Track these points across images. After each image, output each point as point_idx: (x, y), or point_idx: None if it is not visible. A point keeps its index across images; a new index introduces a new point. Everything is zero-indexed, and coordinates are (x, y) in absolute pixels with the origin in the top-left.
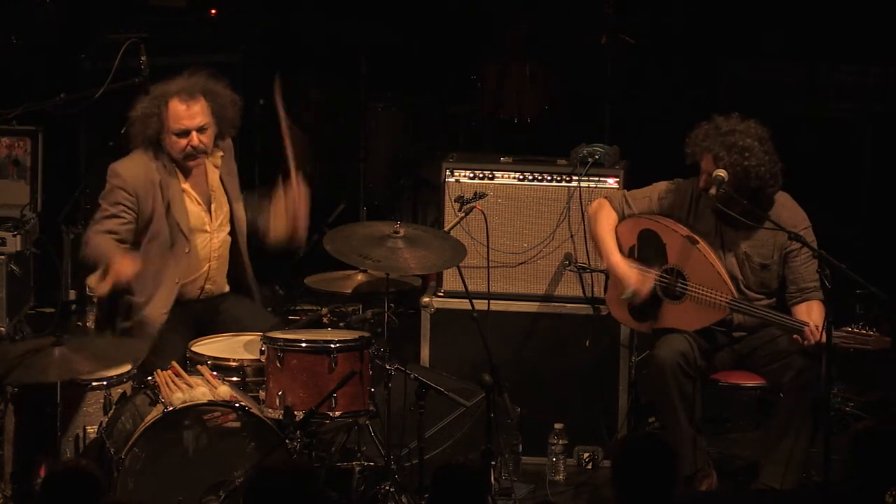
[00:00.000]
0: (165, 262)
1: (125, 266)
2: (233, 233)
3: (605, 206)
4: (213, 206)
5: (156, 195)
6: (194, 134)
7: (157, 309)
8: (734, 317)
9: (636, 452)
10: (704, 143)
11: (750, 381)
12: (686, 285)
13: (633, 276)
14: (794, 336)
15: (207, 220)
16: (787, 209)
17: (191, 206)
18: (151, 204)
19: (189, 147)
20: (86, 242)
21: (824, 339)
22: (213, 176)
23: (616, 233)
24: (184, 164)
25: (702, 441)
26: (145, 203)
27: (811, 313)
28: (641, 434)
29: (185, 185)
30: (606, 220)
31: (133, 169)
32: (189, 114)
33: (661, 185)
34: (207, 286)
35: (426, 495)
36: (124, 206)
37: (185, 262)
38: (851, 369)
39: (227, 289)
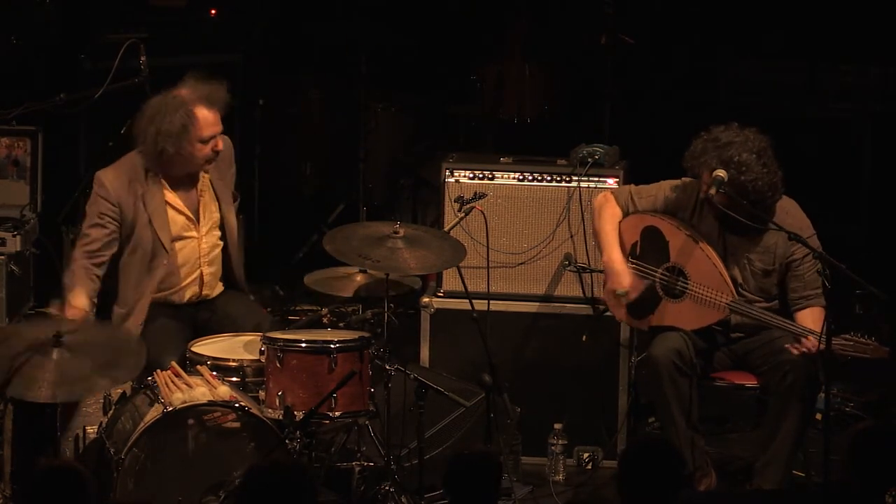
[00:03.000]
0: (144, 275)
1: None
2: (223, 238)
3: (609, 201)
4: (201, 211)
5: (138, 206)
6: (218, 138)
7: (134, 322)
8: (732, 317)
9: (641, 455)
10: (702, 158)
11: (749, 381)
12: (687, 284)
13: (628, 278)
14: (793, 345)
15: (193, 227)
16: (791, 216)
17: (173, 217)
18: (133, 214)
19: (213, 152)
20: (70, 267)
21: (822, 347)
22: (203, 180)
23: (619, 228)
24: (201, 169)
25: (699, 440)
26: (128, 213)
27: (812, 318)
28: (647, 437)
29: (170, 196)
30: (610, 216)
31: (116, 180)
32: (216, 120)
33: (668, 185)
34: (205, 291)
35: (430, 494)
36: (108, 216)
37: (160, 274)
38: (851, 370)
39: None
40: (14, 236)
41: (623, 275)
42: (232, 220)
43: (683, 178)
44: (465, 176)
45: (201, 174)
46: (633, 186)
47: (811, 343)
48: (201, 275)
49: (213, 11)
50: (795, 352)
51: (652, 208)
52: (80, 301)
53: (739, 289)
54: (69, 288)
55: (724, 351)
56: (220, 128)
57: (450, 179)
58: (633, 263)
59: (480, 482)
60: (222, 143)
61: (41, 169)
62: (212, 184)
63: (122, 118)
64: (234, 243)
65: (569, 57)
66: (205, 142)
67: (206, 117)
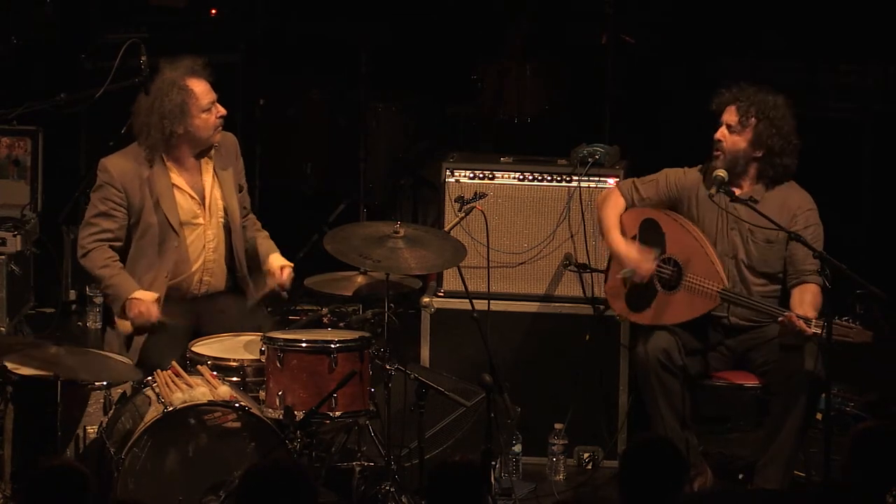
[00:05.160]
0: (156, 257)
1: (145, 309)
2: (226, 227)
3: (614, 193)
4: (206, 199)
5: (143, 190)
6: (218, 104)
7: (152, 296)
8: (731, 319)
9: (643, 454)
10: (735, 91)
11: (749, 380)
12: (681, 275)
13: (633, 255)
14: (780, 319)
15: (201, 213)
16: (794, 190)
17: (181, 200)
18: (140, 199)
19: (219, 118)
20: (87, 255)
21: (805, 328)
22: (207, 168)
23: (621, 220)
24: (212, 140)
25: (692, 438)
26: (133, 198)
27: (805, 295)
28: (648, 436)
29: (177, 179)
30: (613, 206)
31: (122, 164)
32: (209, 87)
33: (669, 171)
34: (206, 278)
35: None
36: (114, 202)
37: (174, 258)
38: (851, 369)
39: (226, 281)
40: (14, 236)
41: (628, 253)
42: (234, 207)
43: (684, 167)
44: (465, 176)
45: (204, 161)
46: (635, 178)
47: (789, 320)
48: (204, 262)
49: (213, 11)
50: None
51: (655, 193)
52: (138, 290)
53: (741, 264)
54: (118, 284)
55: (723, 350)
56: (215, 94)
57: (450, 179)
58: None
59: (462, 492)
60: (223, 109)
61: (41, 169)
62: (215, 171)
63: (123, 118)
64: (236, 229)
65: (569, 57)
66: (207, 111)
67: (200, 86)
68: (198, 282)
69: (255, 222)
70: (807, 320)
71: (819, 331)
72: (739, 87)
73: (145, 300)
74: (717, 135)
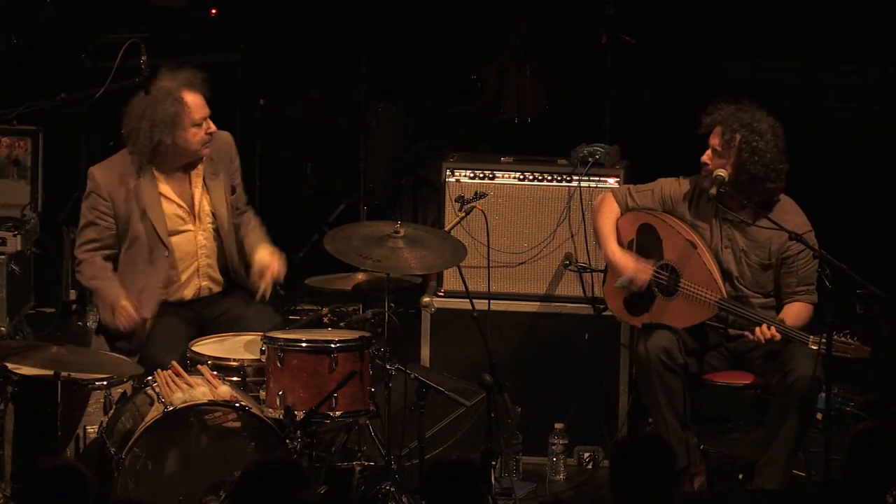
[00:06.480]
0: (146, 267)
1: (126, 316)
2: (216, 233)
3: (608, 199)
4: (195, 206)
5: (130, 200)
6: (209, 120)
7: (143, 314)
8: (730, 331)
9: (634, 452)
10: (721, 113)
11: (748, 380)
12: (679, 282)
13: (630, 265)
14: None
15: (190, 220)
16: (788, 213)
17: (169, 208)
18: (126, 208)
19: (207, 134)
20: (79, 268)
21: (774, 334)
22: (196, 178)
23: (617, 226)
24: (199, 154)
25: (692, 438)
26: (120, 206)
27: (790, 309)
28: (639, 434)
29: (164, 188)
30: (608, 213)
31: (109, 173)
32: (203, 102)
33: (664, 181)
34: (204, 283)
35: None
36: (100, 211)
37: (165, 267)
38: (851, 369)
39: (223, 285)
40: (14, 236)
41: (625, 264)
42: (223, 214)
43: (679, 176)
44: (465, 176)
45: (192, 173)
46: (631, 185)
47: (763, 330)
48: (198, 267)
49: (213, 11)
50: (754, 337)
51: (650, 203)
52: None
53: (736, 282)
54: (105, 289)
55: (723, 350)
56: (208, 110)
57: (450, 179)
58: None
59: (460, 490)
60: (213, 126)
61: (42, 169)
62: (204, 181)
63: (123, 118)
64: (227, 235)
65: (569, 57)
66: (198, 125)
67: (195, 100)
68: (195, 287)
69: (251, 219)
70: (775, 325)
71: (815, 347)
72: (730, 107)
73: (128, 307)
74: (704, 157)
